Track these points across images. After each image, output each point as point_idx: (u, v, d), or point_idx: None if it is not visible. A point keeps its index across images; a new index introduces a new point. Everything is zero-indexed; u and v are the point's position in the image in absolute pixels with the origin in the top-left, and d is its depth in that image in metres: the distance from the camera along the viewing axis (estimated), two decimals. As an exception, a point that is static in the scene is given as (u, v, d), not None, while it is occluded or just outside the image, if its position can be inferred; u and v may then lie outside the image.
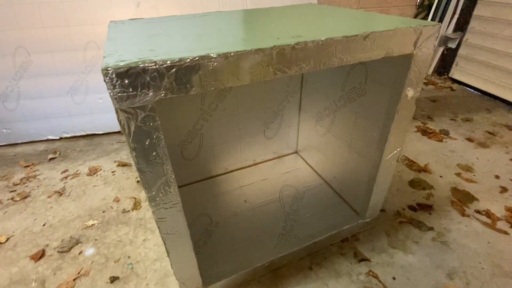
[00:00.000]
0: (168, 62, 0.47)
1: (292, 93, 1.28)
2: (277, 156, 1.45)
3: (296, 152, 1.49)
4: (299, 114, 1.36)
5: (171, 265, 0.75)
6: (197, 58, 0.49)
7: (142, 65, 0.46)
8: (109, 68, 0.44)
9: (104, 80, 0.45)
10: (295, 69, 0.59)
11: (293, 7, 1.06)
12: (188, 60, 0.48)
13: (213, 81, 0.53)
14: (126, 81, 0.46)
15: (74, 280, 0.96)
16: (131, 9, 1.55)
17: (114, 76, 0.45)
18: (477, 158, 1.52)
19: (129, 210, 1.23)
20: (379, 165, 0.91)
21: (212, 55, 0.50)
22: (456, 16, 2.33)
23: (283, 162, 1.42)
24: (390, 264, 1.00)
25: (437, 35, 0.72)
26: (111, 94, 0.46)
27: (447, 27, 2.38)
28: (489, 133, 1.74)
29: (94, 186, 1.37)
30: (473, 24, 2.25)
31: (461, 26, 2.32)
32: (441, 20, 2.35)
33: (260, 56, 0.54)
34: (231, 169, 1.36)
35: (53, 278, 0.97)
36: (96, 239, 1.10)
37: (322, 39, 0.58)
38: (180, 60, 0.48)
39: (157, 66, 0.47)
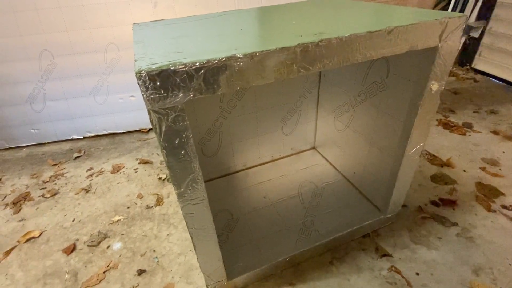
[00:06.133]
0: (197, 64, 0.49)
1: (309, 88, 1.28)
2: (295, 152, 1.45)
3: (314, 148, 1.49)
4: (317, 110, 1.35)
5: (197, 258, 0.77)
6: (224, 59, 0.50)
7: (172, 68, 0.47)
8: (143, 71, 0.46)
9: (138, 83, 0.47)
10: (319, 66, 0.60)
11: (309, 2, 1.05)
12: (216, 61, 0.50)
13: (239, 80, 0.54)
14: (158, 83, 0.48)
15: (104, 272, 1.01)
16: (148, 10, 1.58)
17: (147, 78, 0.46)
18: (503, 152, 1.46)
19: (152, 206, 1.27)
20: (401, 160, 0.90)
21: (238, 55, 0.51)
22: (479, 3, 2.23)
23: (301, 158, 1.42)
24: (412, 259, 0.99)
25: (463, 26, 0.70)
26: (144, 96, 0.48)
27: (470, 15, 2.28)
28: (516, 125, 1.67)
29: (118, 183, 1.43)
30: (497, 11, 2.15)
31: (485, 14, 2.22)
32: (463, 9, 2.26)
33: (284, 54, 0.55)
34: (250, 165, 1.38)
35: (84, 270, 1.02)
36: (122, 234, 1.15)
37: (346, 35, 0.58)
38: (208, 61, 0.49)
39: (186, 68, 0.48)
